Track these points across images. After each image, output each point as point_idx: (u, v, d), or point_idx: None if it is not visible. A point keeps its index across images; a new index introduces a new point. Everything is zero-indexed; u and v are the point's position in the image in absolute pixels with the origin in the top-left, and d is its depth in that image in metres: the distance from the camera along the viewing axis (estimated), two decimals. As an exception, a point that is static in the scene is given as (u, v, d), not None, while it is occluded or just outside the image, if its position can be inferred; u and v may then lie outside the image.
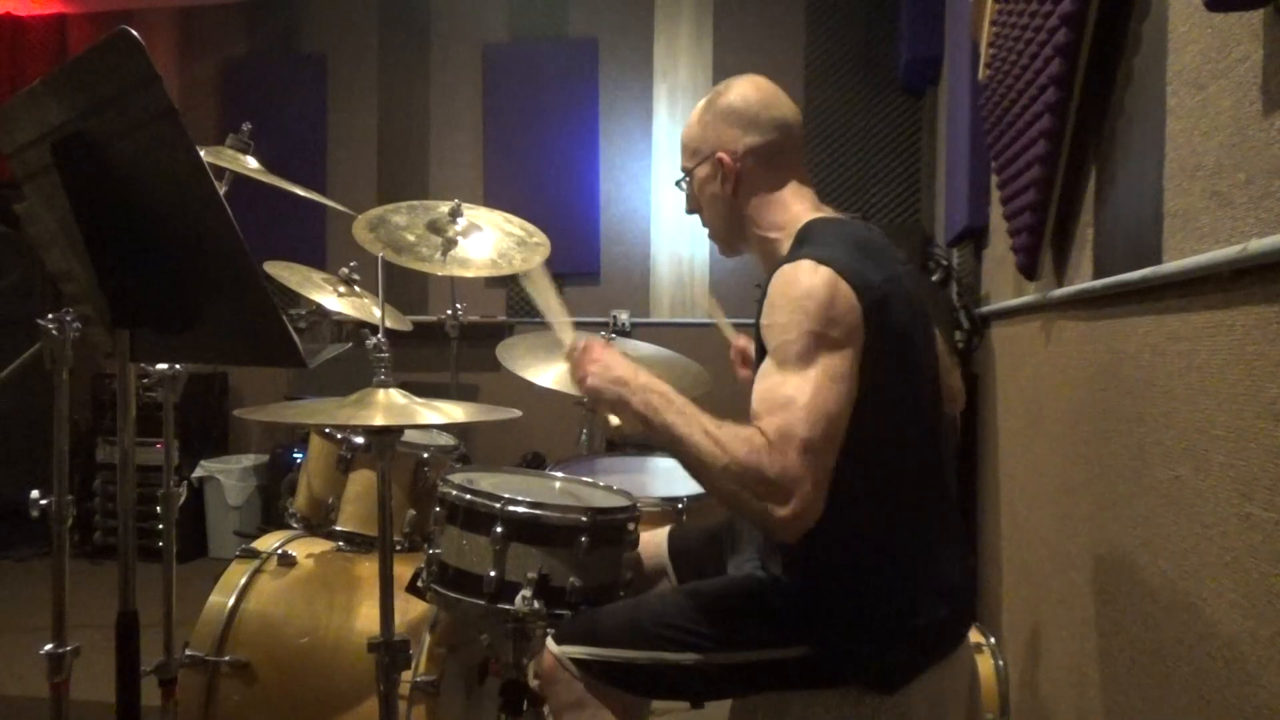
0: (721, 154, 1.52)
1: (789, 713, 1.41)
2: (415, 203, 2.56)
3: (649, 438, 1.44)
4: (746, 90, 1.54)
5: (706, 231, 1.63)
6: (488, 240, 2.51)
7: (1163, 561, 1.28)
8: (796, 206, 1.51)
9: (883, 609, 1.37)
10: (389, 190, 4.97)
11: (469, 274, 2.44)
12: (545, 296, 1.70)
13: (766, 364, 1.32)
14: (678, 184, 1.63)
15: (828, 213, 1.51)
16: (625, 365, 1.41)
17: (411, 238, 2.44)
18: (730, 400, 1.52)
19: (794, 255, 1.37)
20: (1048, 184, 1.82)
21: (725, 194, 1.53)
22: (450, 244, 2.41)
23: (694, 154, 1.57)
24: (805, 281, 1.30)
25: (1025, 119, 1.90)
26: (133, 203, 1.18)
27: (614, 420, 1.45)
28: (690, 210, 1.63)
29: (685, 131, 1.60)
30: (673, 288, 4.68)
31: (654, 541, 1.77)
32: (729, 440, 1.26)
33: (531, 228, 2.55)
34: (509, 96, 4.82)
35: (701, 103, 1.58)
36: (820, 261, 1.31)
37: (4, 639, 3.48)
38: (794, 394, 1.25)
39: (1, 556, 4.53)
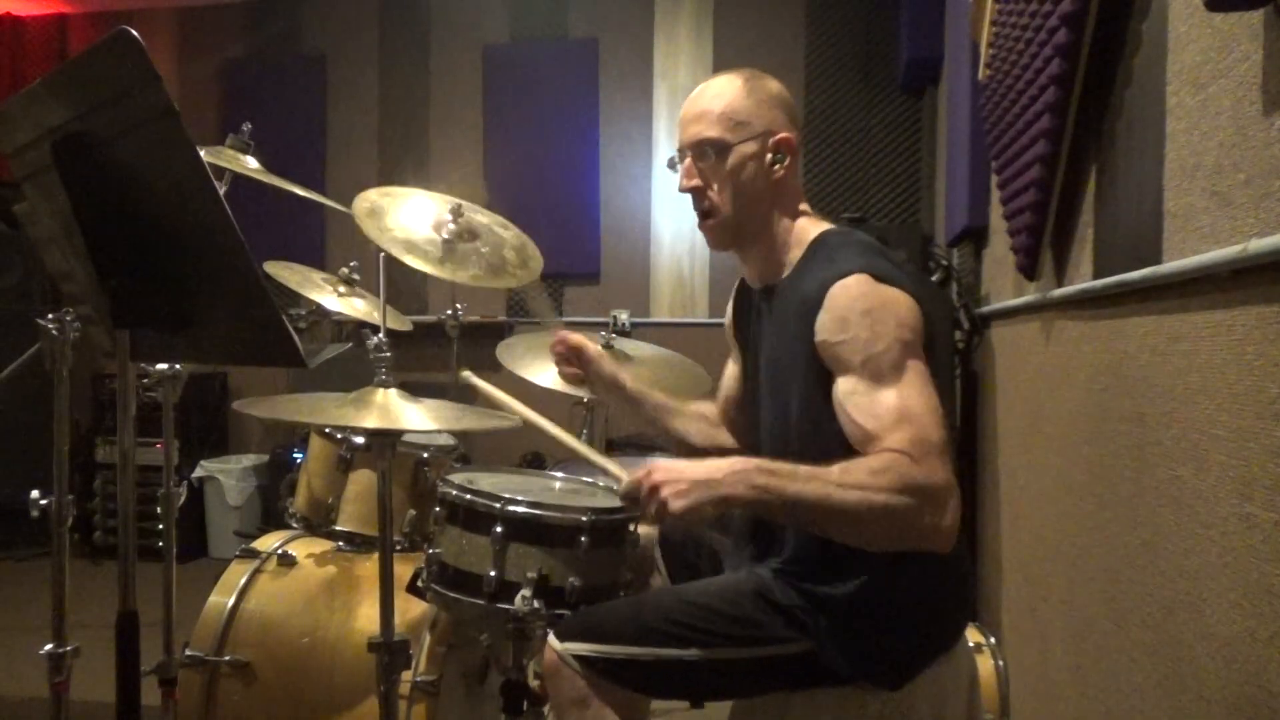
0: (785, 134, 1.47)
1: (791, 710, 1.41)
2: (419, 191, 2.54)
3: (772, 519, 1.39)
4: (778, 85, 1.52)
5: (708, 216, 1.51)
6: (488, 248, 2.49)
7: (1163, 561, 1.28)
8: (807, 213, 1.52)
9: (886, 605, 1.37)
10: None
11: (467, 281, 2.43)
12: (577, 446, 1.53)
13: (852, 382, 1.29)
14: (706, 150, 1.47)
15: (826, 223, 1.52)
16: (694, 465, 1.26)
17: (412, 234, 2.43)
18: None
19: (829, 268, 1.36)
20: (1048, 184, 1.82)
21: (768, 178, 1.47)
22: (450, 247, 2.40)
23: (739, 126, 1.46)
24: (872, 293, 1.30)
25: (1025, 119, 1.90)
26: (133, 203, 1.18)
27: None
28: (695, 187, 1.50)
29: (724, 101, 1.47)
30: (673, 288, 4.67)
31: (645, 534, 1.77)
32: (867, 479, 1.19)
33: (524, 243, 2.54)
34: (509, 97, 4.81)
35: (733, 80, 1.49)
36: (874, 274, 1.32)
37: (4, 639, 3.49)
38: (906, 403, 1.24)
39: (1, 556, 4.53)
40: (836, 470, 1.21)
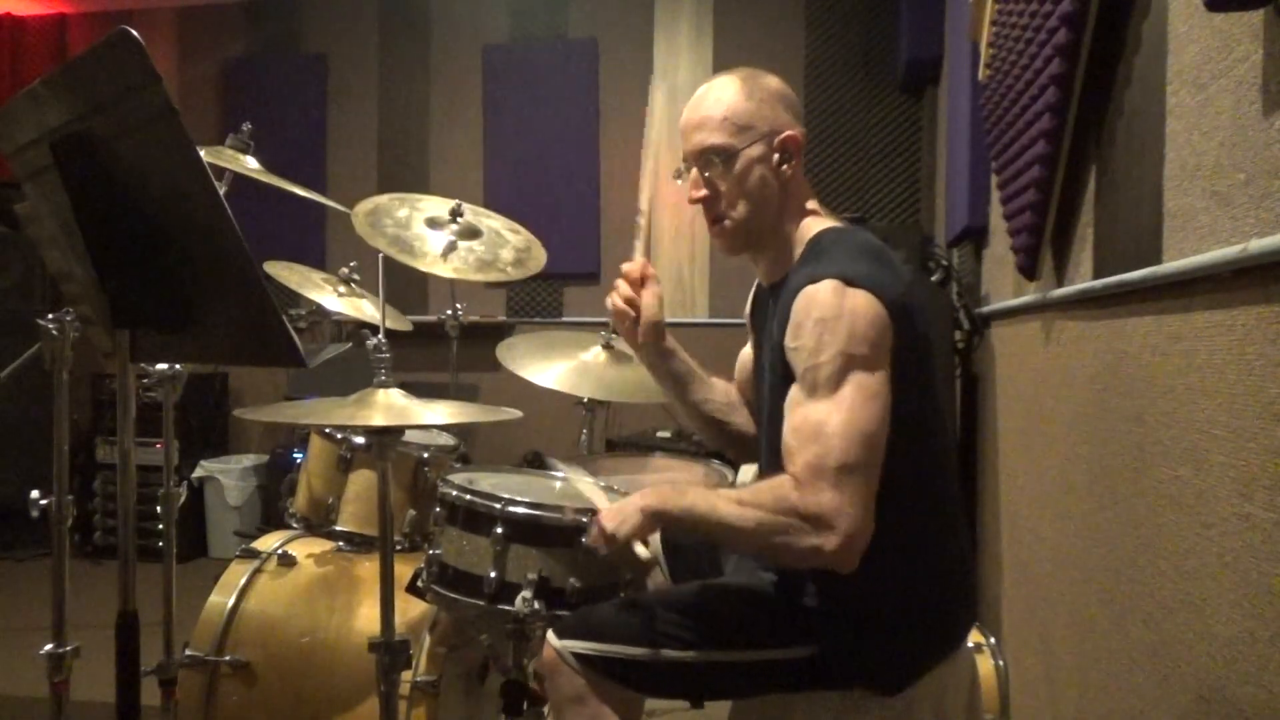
0: (791, 133, 1.45)
1: (792, 712, 1.41)
2: (416, 196, 2.55)
3: (690, 535, 1.45)
4: (778, 80, 1.50)
5: (719, 223, 1.48)
6: (488, 245, 2.50)
7: (1163, 561, 1.28)
8: (814, 210, 1.50)
9: (888, 610, 1.37)
10: (389, 190, 4.95)
11: (467, 277, 2.43)
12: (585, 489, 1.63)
13: (795, 391, 1.30)
14: (712, 158, 1.44)
15: (832, 219, 1.50)
16: (629, 499, 1.39)
17: (411, 234, 2.43)
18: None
19: (811, 269, 1.35)
20: (1048, 184, 1.82)
21: (778, 179, 1.45)
22: (451, 246, 2.41)
23: (743, 130, 1.43)
24: (832, 302, 1.28)
25: (1025, 119, 1.89)
26: (133, 203, 1.18)
27: (642, 552, 1.43)
28: (704, 198, 1.48)
29: (725, 106, 1.44)
30: (673, 288, 4.67)
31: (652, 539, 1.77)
32: (753, 498, 1.28)
33: (526, 237, 2.54)
34: (509, 97, 4.82)
35: (730, 82, 1.46)
36: (845, 279, 1.29)
37: (4, 639, 3.49)
38: (825, 420, 1.25)
39: (1, 556, 4.53)
40: (739, 491, 1.32)
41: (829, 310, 1.28)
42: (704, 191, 1.48)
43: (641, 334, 1.63)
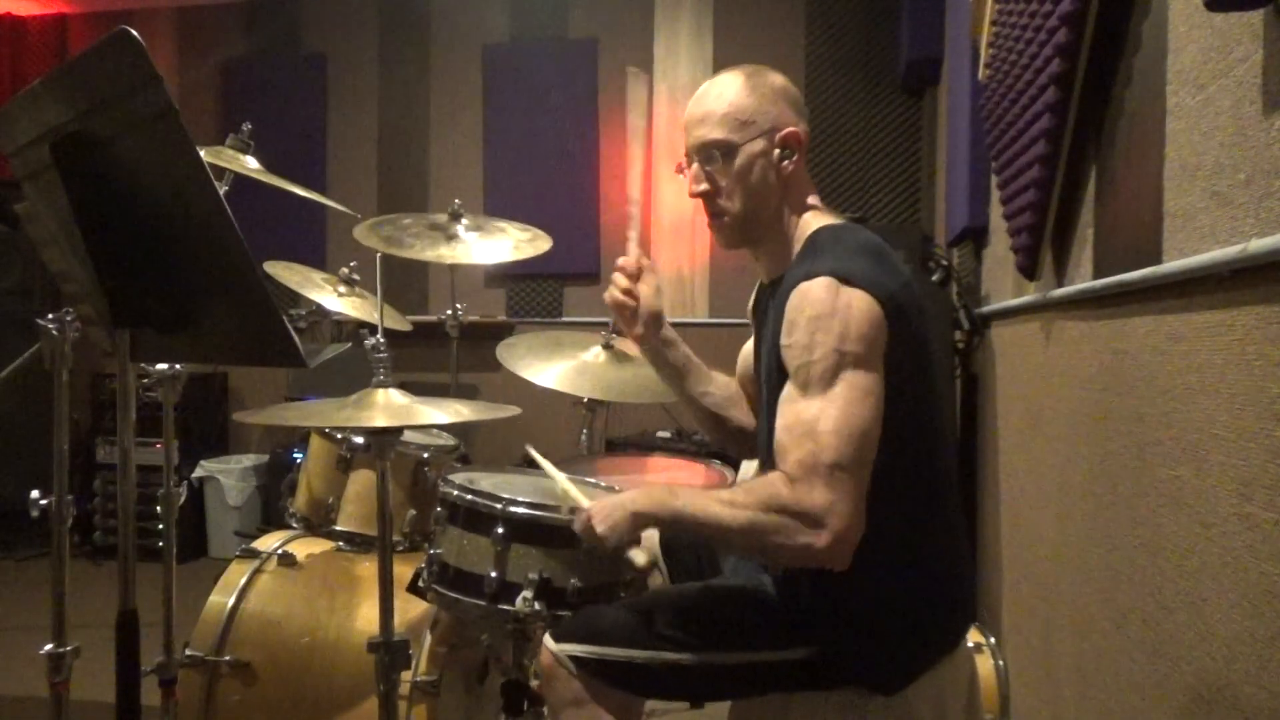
0: (793, 129, 1.45)
1: (791, 714, 1.41)
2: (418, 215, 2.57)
3: (681, 533, 1.45)
4: (782, 78, 1.50)
5: (719, 217, 1.49)
6: (492, 239, 2.51)
7: (1163, 561, 1.28)
8: (815, 207, 1.50)
9: (887, 610, 1.36)
10: (389, 190, 4.97)
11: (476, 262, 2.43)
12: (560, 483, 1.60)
13: (788, 388, 1.30)
14: (713, 153, 1.45)
15: (833, 217, 1.50)
16: (618, 496, 1.39)
17: (413, 234, 2.44)
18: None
19: (808, 267, 1.34)
20: (1048, 184, 1.82)
21: (778, 175, 1.45)
22: (453, 238, 2.41)
23: (744, 125, 1.43)
24: (826, 299, 1.28)
25: (1025, 119, 1.90)
26: (132, 202, 1.18)
27: (640, 559, 1.40)
28: (704, 192, 1.48)
29: (727, 101, 1.44)
30: (673, 287, 4.67)
31: (646, 534, 1.76)
32: (744, 497, 1.27)
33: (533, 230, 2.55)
34: (509, 97, 4.81)
35: (734, 78, 1.46)
36: (839, 277, 1.29)
37: (4, 639, 3.49)
38: (817, 417, 1.24)
39: (1, 556, 4.53)
40: (730, 491, 1.31)
41: (823, 307, 1.28)
42: (704, 185, 1.48)
43: (641, 323, 1.64)
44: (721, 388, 1.73)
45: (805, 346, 1.28)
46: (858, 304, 1.28)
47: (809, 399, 1.26)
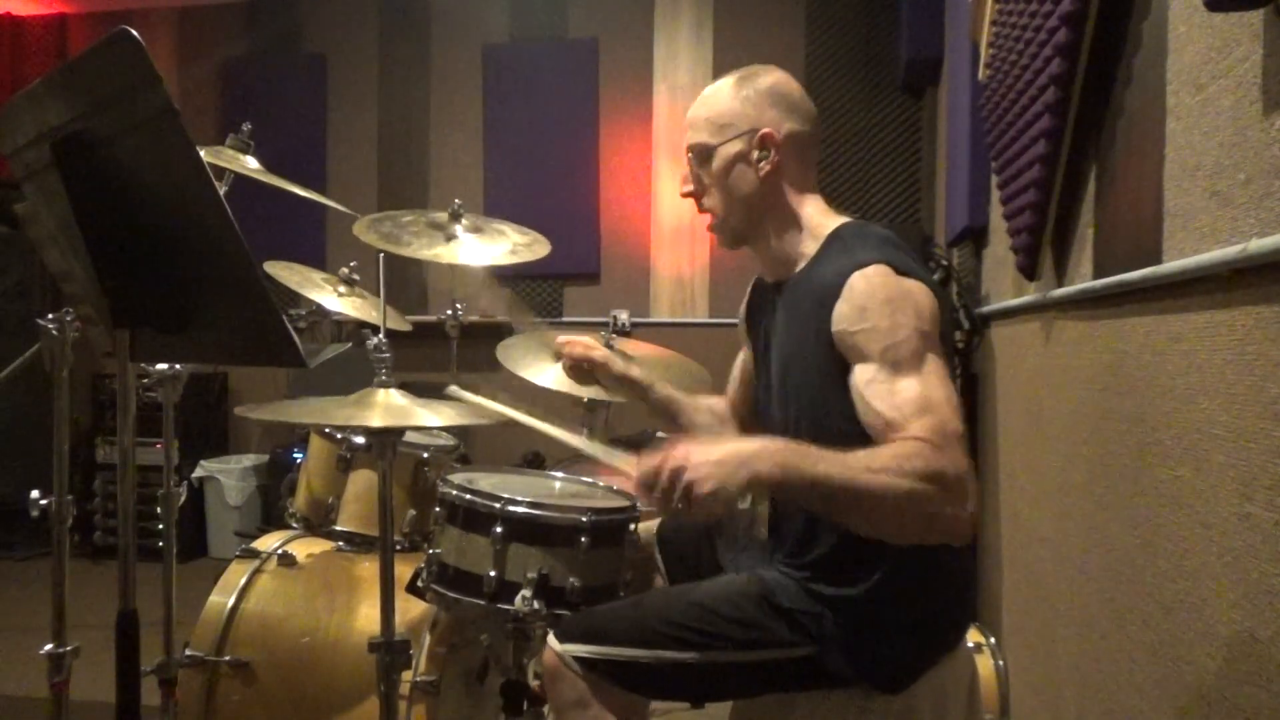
0: (768, 130, 1.46)
1: (793, 712, 1.41)
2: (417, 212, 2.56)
3: (795, 502, 1.33)
4: (782, 77, 1.52)
5: (711, 218, 1.54)
6: (491, 242, 2.50)
7: (1163, 561, 1.28)
8: (820, 207, 1.51)
9: (887, 609, 1.37)
10: (389, 190, 4.97)
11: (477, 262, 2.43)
12: (599, 451, 1.49)
13: (871, 370, 1.28)
14: (695, 156, 1.51)
15: (839, 216, 1.51)
16: (716, 445, 1.20)
17: (413, 233, 2.44)
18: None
19: (852, 259, 1.35)
20: (1048, 184, 1.82)
21: (758, 176, 1.47)
22: (453, 237, 2.41)
23: (723, 129, 1.48)
24: (894, 284, 1.30)
25: (1025, 119, 1.90)
26: (133, 203, 1.18)
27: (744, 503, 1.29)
28: (693, 193, 1.54)
29: (711, 105, 1.50)
30: (673, 288, 4.67)
31: (643, 531, 1.77)
32: (893, 464, 1.14)
33: (532, 235, 2.54)
34: (509, 97, 4.81)
35: (727, 81, 1.51)
36: (894, 266, 1.32)
37: (4, 639, 3.49)
38: (927, 392, 1.24)
39: (1, 556, 4.53)
40: (863, 455, 1.16)
41: (894, 291, 1.30)
42: (688, 187, 1.55)
43: (605, 365, 1.77)
44: (709, 415, 1.78)
45: (888, 329, 1.28)
46: (919, 292, 1.32)
47: (906, 377, 1.25)
